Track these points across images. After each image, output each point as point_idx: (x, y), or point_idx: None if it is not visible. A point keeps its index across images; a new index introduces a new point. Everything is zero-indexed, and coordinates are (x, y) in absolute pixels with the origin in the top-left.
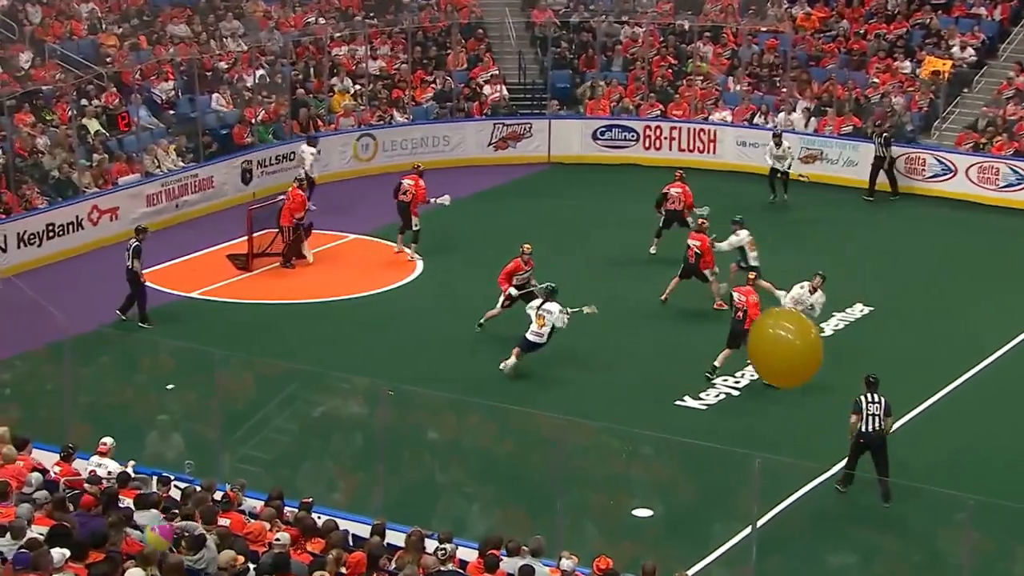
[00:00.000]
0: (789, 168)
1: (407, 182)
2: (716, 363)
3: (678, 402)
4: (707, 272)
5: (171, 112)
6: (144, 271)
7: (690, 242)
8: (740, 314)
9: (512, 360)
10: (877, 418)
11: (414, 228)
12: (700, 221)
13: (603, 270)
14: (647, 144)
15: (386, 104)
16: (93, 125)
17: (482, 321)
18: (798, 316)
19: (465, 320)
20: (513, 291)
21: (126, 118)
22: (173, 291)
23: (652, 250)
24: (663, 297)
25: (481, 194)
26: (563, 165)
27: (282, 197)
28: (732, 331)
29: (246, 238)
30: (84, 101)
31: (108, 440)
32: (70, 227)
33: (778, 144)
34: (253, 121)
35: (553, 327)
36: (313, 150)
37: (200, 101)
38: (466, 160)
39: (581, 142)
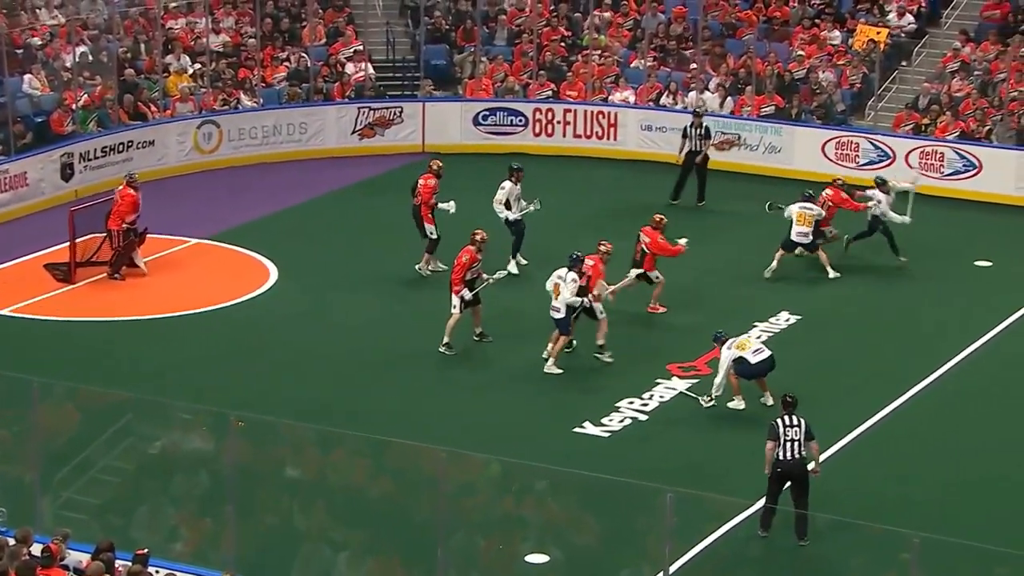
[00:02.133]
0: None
1: (420, 181)
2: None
3: (577, 429)
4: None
5: None
6: None
7: (642, 237)
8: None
9: (554, 350)
10: (797, 443)
11: (429, 236)
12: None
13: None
14: (537, 130)
15: (231, 86)
16: None
17: (446, 340)
18: None
19: (329, 337)
20: (466, 293)
21: None
22: None
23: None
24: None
25: (344, 190)
26: (440, 155)
27: (111, 197)
28: None
29: (67, 244)
30: None
31: None
32: None
33: (700, 123)
34: (74, 107)
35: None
36: None
37: (10, 83)
38: (326, 151)
39: (460, 128)
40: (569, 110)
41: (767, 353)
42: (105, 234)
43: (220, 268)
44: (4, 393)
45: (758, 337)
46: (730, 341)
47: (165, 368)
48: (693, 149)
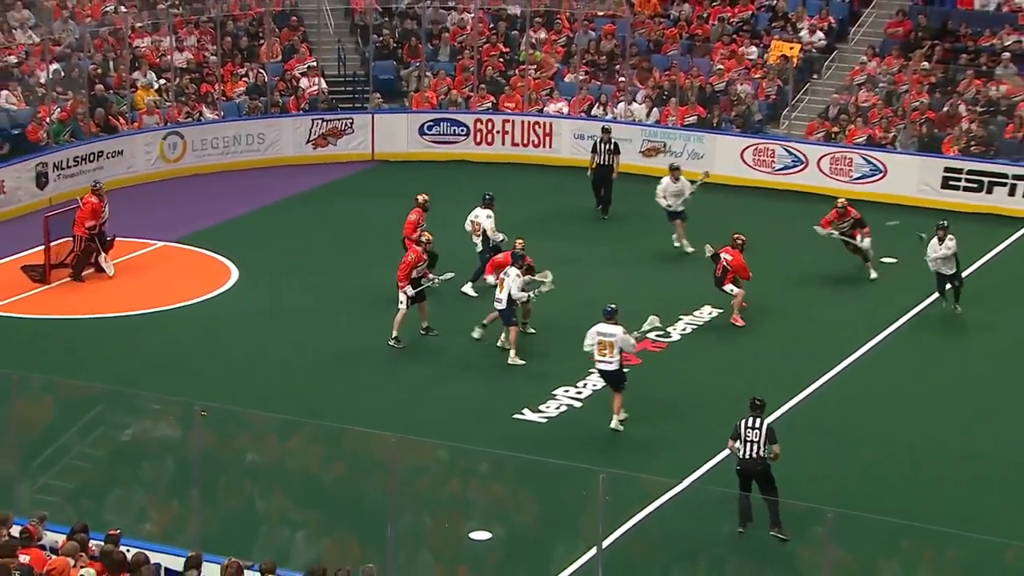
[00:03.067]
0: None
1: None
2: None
3: (516, 415)
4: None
5: None
6: None
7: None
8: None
9: (510, 340)
10: (756, 444)
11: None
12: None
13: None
14: (478, 139)
15: (194, 100)
16: None
17: (395, 334)
18: None
19: (286, 333)
20: (410, 290)
21: None
22: None
23: None
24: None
25: (300, 196)
26: (388, 163)
27: (77, 204)
28: None
29: (43, 248)
30: None
31: None
32: None
33: (608, 138)
34: (48, 120)
35: (510, 295)
36: None
37: None
38: (283, 159)
39: (407, 138)
40: (507, 120)
41: (611, 365)
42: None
43: (184, 269)
44: None
45: (658, 331)
46: (601, 327)
47: (134, 362)
48: (602, 163)
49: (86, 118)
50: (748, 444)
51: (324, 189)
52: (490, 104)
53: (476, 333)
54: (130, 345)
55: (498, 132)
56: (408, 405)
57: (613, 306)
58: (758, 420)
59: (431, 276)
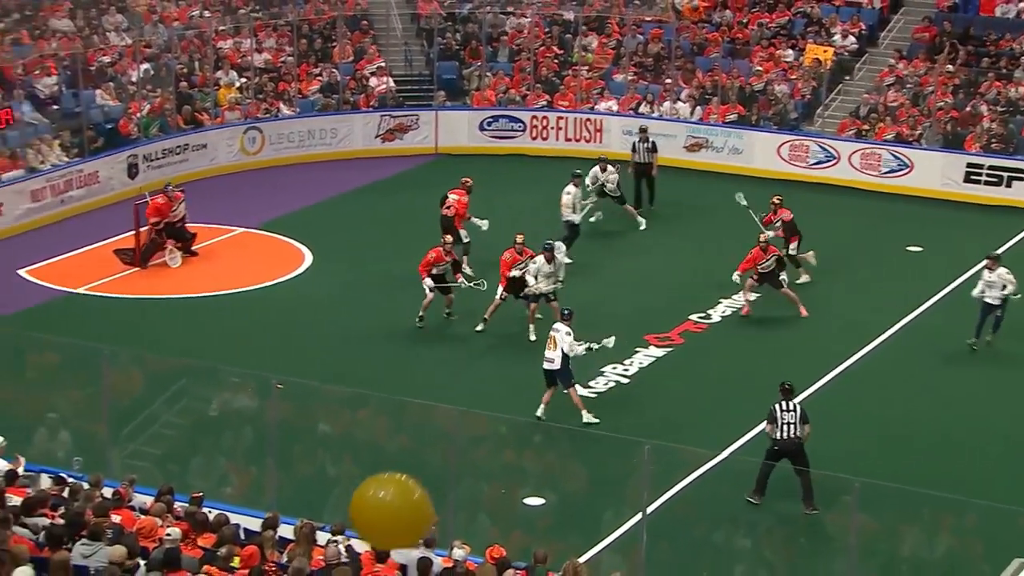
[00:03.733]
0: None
1: (452, 196)
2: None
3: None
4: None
5: (55, 107)
6: (29, 267)
7: None
8: None
9: (543, 403)
10: (792, 426)
11: (463, 240)
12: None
13: (493, 260)
14: (534, 134)
15: (272, 97)
16: None
17: (421, 314)
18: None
19: (356, 313)
20: (430, 282)
21: (8, 114)
22: (59, 287)
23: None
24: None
25: (368, 187)
26: (450, 156)
27: (145, 200)
28: None
29: (132, 233)
30: None
31: None
32: None
33: (646, 138)
34: (138, 115)
35: (563, 352)
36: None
37: (84, 96)
38: (353, 152)
39: (468, 132)
40: (561, 117)
41: (553, 364)
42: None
43: (262, 253)
44: (79, 360)
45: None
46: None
47: (215, 338)
48: (640, 161)
49: (173, 113)
50: (785, 426)
51: (391, 180)
52: (545, 102)
53: (479, 326)
54: (212, 323)
55: (552, 128)
56: (468, 380)
57: (569, 310)
58: (791, 403)
59: (461, 280)
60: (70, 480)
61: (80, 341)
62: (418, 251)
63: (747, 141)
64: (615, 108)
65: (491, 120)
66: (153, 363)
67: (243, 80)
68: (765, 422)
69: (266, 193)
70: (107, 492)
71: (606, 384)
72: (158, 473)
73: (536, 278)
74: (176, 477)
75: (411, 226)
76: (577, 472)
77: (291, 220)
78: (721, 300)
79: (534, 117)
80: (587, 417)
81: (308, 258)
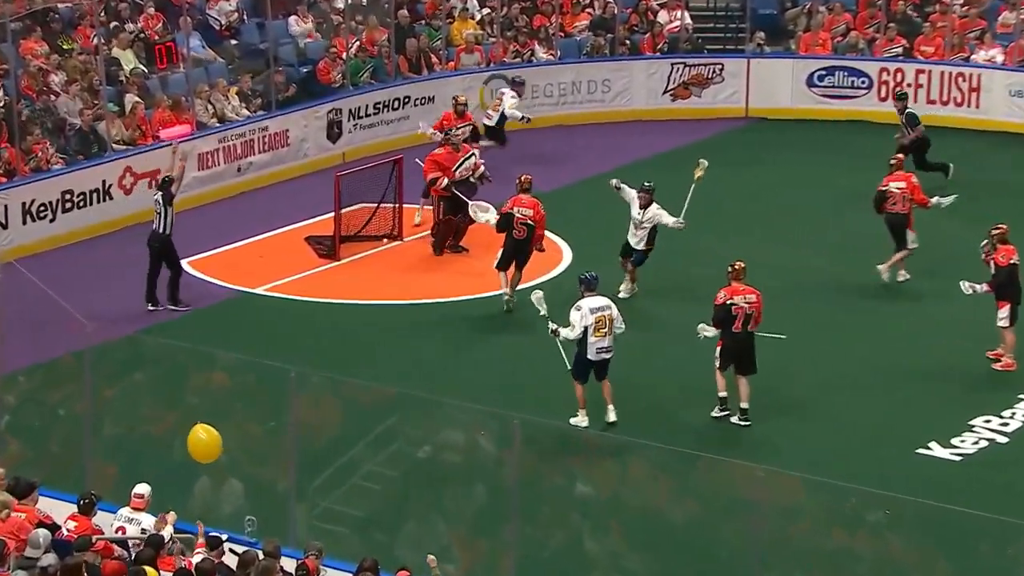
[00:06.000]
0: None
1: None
2: None
3: (921, 450)
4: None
5: (233, 42)
6: (194, 257)
7: None
8: None
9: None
10: None
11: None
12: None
13: (826, 266)
14: (883, 93)
15: (525, 35)
16: (127, 58)
17: (508, 296)
18: None
19: (626, 333)
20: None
21: (172, 49)
22: (231, 285)
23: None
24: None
25: (653, 160)
26: (766, 121)
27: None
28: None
29: (332, 215)
30: (115, 24)
31: (143, 488)
32: (94, 196)
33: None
34: (344, 56)
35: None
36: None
37: (272, 27)
38: (632, 113)
39: (792, 90)
40: (922, 71)
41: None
42: (376, 205)
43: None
44: (257, 383)
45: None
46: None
47: (442, 360)
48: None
49: (391, 53)
50: None
51: (683, 152)
52: (901, 49)
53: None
54: (437, 338)
55: (910, 85)
56: (785, 436)
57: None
58: None
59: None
60: (239, 548)
61: (258, 358)
62: (718, 251)
63: None
64: (1000, 60)
65: (824, 73)
66: (355, 391)
67: (486, 11)
68: None
69: (508, 167)
70: (288, 564)
71: (975, 443)
72: (357, 541)
73: None
74: (382, 548)
75: (709, 217)
76: (934, 563)
77: (547, 202)
78: None
79: (884, 70)
80: (612, 415)
81: (567, 255)
